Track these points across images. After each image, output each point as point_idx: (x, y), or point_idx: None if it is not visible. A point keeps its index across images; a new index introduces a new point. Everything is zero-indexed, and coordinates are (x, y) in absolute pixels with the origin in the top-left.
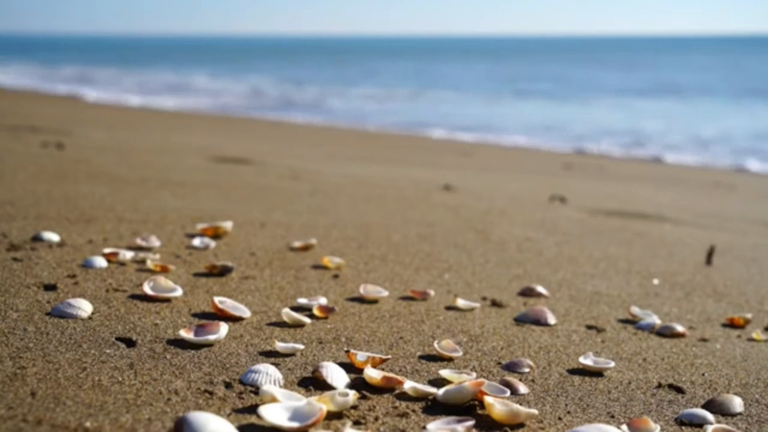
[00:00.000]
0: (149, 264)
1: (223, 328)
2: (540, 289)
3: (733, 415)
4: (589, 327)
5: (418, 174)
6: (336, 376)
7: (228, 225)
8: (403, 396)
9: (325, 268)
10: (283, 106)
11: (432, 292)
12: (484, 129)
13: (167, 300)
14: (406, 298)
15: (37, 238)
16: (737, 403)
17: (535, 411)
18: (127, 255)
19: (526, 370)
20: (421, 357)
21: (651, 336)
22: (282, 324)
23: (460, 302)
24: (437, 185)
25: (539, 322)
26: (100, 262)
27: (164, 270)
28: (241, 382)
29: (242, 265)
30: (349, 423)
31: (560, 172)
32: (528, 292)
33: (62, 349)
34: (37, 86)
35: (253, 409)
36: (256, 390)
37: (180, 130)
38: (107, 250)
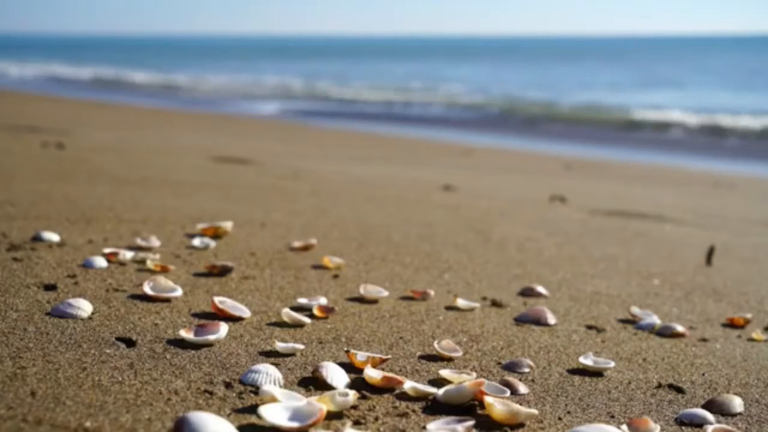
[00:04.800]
0: (149, 264)
1: (223, 328)
2: (540, 289)
3: (733, 415)
4: (589, 327)
5: (418, 174)
6: (336, 376)
7: (228, 225)
8: (403, 396)
9: (325, 268)
10: (287, 106)
11: (432, 292)
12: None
13: (167, 300)
14: (406, 298)
15: (37, 238)
16: (737, 403)
17: (535, 411)
18: (127, 255)
19: (526, 370)
20: (421, 357)
21: (651, 336)
22: (282, 324)
23: (460, 302)
24: (437, 185)
25: (539, 322)
26: (100, 262)
27: (164, 270)
28: (241, 382)
29: (242, 265)
30: (349, 423)
31: (560, 172)
32: (528, 292)
33: (62, 349)
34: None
35: (253, 409)
36: (256, 390)
37: (180, 130)
38: (107, 250)
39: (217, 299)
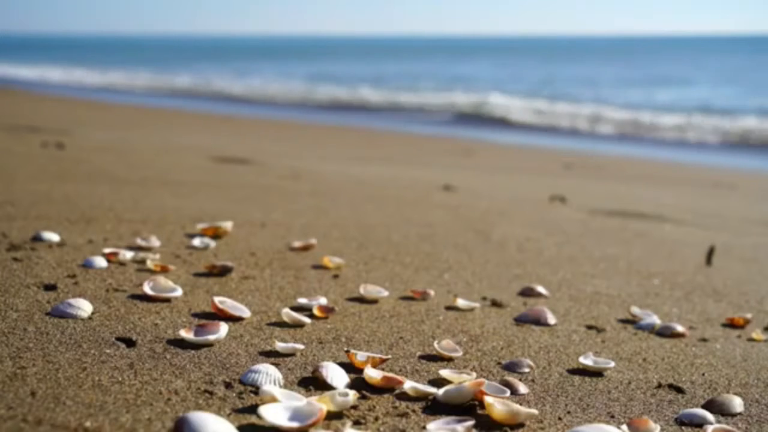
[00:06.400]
0: (149, 264)
1: (223, 328)
2: (540, 289)
3: (733, 415)
4: (589, 327)
5: (418, 174)
6: (336, 376)
7: (228, 225)
8: (403, 396)
9: (325, 268)
10: (289, 106)
11: (432, 292)
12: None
13: (167, 300)
14: (406, 298)
15: (37, 238)
16: (737, 403)
17: (535, 411)
18: (127, 255)
19: (526, 370)
20: (421, 357)
21: (651, 336)
22: (282, 324)
23: (460, 302)
24: (437, 185)
25: (539, 322)
26: (100, 262)
27: (164, 270)
28: (241, 382)
29: (242, 265)
30: (349, 423)
31: (560, 172)
32: (528, 292)
33: (62, 349)
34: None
35: (253, 409)
36: (256, 390)
37: (180, 130)
38: (107, 250)
39: (217, 299)
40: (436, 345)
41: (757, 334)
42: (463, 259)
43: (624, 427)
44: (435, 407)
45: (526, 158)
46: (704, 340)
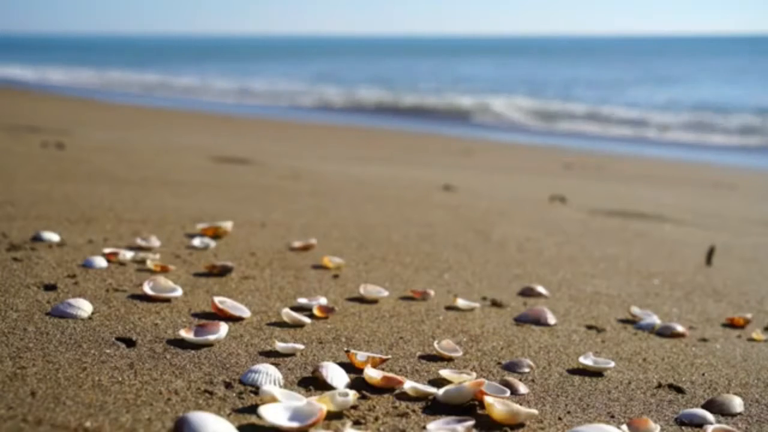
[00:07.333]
0: (149, 264)
1: (223, 328)
2: (540, 289)
3: (733, 415)
4: (589, 327)
5: (418, 174)
6: (336, 376)
7: (228, 225)
8: (403, 396)
9: (325, 268)
10: (289, 107)
11: (432, 292)
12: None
13: (167, 300)
14: (406, 298)
15: (37, 238)
16: (737, 403)
17: (535, 411)
18: (127, 255)
19: (526, 370)
20: (421, 357)
21: (651, 336)
22: (282, 324)
23: (460, 302)
24: (437, 185)
25: (539, 322)
26: (100, 262)
27: (164, 270)
28: (241, 382)
29: (242, 265)
30: (349, 423)
31: (560, 172)
32: (528, 292)
33: (62, 349)
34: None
35: (253, 409)
36: (256, 390)
37: (180, 130)
38: (107, 250)
39: (217, 299)
40: (436, 345)
41: (757, 334)
42: (463, 259)
43: (624, 427)
44: (435, 407)
45: (526, 158)
46: (704, 340)
